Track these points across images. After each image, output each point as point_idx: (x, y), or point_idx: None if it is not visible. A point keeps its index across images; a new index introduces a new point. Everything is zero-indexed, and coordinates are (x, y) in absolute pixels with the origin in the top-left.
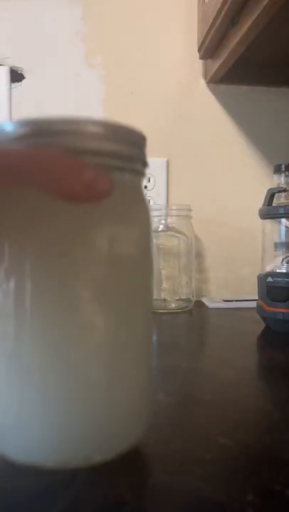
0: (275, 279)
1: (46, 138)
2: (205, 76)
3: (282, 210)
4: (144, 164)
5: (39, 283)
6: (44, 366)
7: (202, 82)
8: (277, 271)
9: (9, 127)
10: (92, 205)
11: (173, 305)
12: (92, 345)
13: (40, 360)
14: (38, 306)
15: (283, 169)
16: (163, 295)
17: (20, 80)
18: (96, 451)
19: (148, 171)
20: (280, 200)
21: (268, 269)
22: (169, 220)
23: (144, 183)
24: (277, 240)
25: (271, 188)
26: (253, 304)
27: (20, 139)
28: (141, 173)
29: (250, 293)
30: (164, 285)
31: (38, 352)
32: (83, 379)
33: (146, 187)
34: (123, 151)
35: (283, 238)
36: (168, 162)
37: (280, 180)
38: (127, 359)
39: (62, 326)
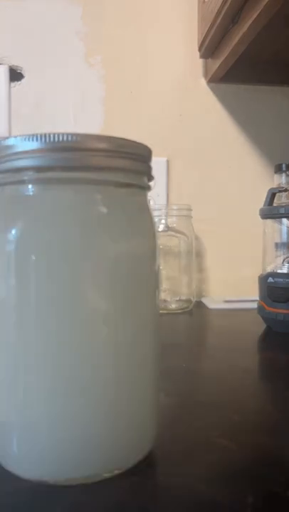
0: (276, 279)
1: (52, 154)
2: (205, 75)
3: (283, 210)
4: (150, 178)
5: (46, 294)
6: (51, 373)
7: (202, 82)
8: (278, 271)
9: (14, 143)
10: (98, 219)
11: (173, 305)
12: (98, 352)
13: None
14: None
15: (284, 169)
16: (163, 295)
17: (20, 79)
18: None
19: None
20: (280, 200)
21: (269, 269)
22: (169, 220)
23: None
24: (278, 240)
25: (272, 188)
26: (254, 305)
27: (25, 155)
28: (146, 188)
29: (250, 293)
30: (164, 285)
31: (43, 353)
32: (91, 385)
33: None
34: (128, 167)
35: (284, 238)
36: (168, 162)
37: (280, 180)
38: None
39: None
